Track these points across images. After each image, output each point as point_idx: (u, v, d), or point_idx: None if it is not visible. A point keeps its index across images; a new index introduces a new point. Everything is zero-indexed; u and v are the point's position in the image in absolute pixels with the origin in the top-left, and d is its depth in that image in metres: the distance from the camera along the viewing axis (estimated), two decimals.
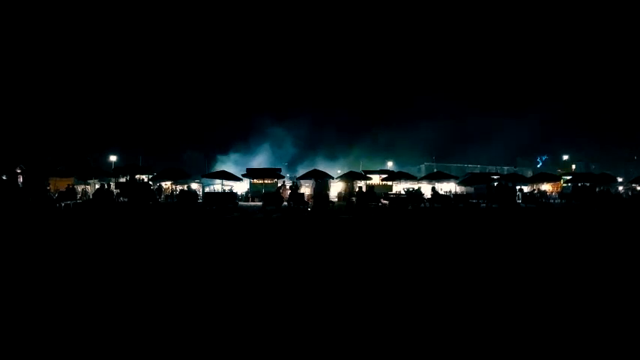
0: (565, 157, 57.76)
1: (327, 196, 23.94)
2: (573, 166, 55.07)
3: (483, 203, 26.16)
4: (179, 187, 34.36)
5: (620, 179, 41.72)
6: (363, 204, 22.81)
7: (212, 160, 48.33)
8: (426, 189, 31.27)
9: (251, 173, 33.36)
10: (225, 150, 50.38)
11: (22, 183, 25.57)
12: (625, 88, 53.28)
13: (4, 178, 25.35)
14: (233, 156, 50.84)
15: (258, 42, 61.19)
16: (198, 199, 27.72)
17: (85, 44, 51.14)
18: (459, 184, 35.75)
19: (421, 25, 61.76)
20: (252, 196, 33.85)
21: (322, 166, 35.42)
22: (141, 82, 50.64)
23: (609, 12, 59.33)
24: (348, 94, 55.22)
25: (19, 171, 27.05)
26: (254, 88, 55.16)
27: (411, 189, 26.66)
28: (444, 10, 65.46)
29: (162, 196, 30.86)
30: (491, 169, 48.36)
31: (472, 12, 64.98)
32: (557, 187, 37.32)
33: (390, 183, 34.14)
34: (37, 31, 48.23)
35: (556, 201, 32.65)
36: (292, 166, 45.82)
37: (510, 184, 26.29)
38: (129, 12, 55.40)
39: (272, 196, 23.71)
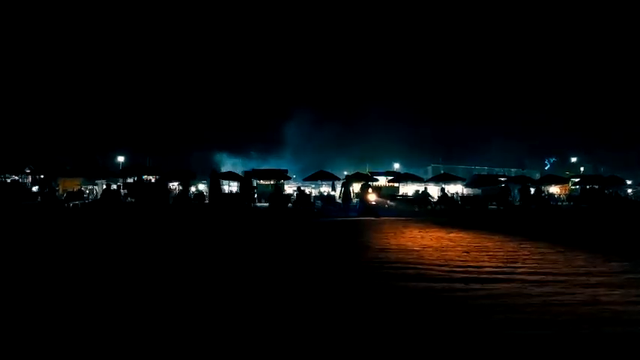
0: (573, 160, 57.33)
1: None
2: (582, 169, 54.69)
3: (491, 205, 26.06)
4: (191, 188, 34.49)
5: (629, 182, 41.33)
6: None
7: (218, 161, 48.29)
8: (432, 190, 31.20)
9: (257, 174, 33.45)
10: (230, 149, 50.32)
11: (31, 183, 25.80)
12: (634, 89, 52.78)
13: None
14: (237, 157, 50.76)
15: (261, 41, 61.31)
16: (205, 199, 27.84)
17: (93, 44, 51.47)
18: (466, 186, 35.63)
19: (423, 24, 61.59)
20: (258, 197, 33.92)
21: (327, 168, 35.34)
22: (148, 82, 50.81)
23: (619, 12, 58.81)
24: (353, 94, 54.96)
25: (28, 171, 27.33)
26: (257, 87, 55.03)
27: (418, 191, 26.59)
28: (449, 10, 65.25)
29: (170, 197, 30.97)
30: (499, 170, 48.08)
31: (479, 11, 64.72)
32: (566, 190, 37.08)
33: (396, 184, 34.09)
34: (45, 32, 48.66)
35: (564, 203, 32.42)
36: (296, 166, 45.68)
37: (532, 187, 26.55)
38: (136, 12, 55.76)
39: (279, 197, 23.75)
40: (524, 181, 28.69)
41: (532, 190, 25.44)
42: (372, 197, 16.59)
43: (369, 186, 18.45)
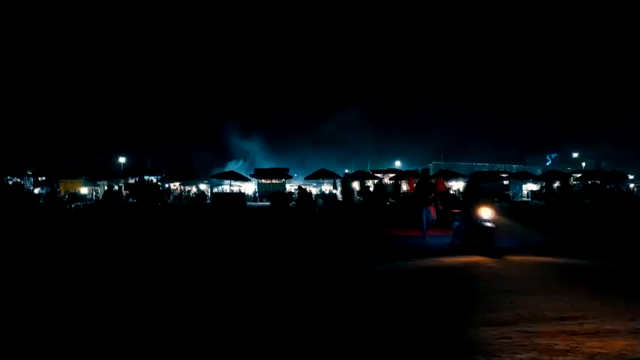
0: (575, 155, 57.00)
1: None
2: (583, 164, 54.45)
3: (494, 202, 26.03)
4: (188, 188, 34.53)
5: (631, 177, 41.13)
6: (373, 202, 22.75)
7: (220, 162, 48.18)
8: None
9: (259, 173, 33.40)
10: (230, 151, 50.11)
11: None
12: (636, 84, 52.58)
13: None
14: (238, 156, 50.59)
15: (260, 40, 61.29)
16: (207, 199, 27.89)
17: (97, 46, 51.51)
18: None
19: (426, 23, 61.50)
20: (260, 196, 33.86)
21: (329, 166, 35.25)
22: (149, 82, 50.78)
23: (622, 8, 58.66)
24: (355, 93, 54.86)
25: (29, 173, 27.33)
26: (259, 85, 54.87)
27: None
28: (450, 10, 65.12)
29: (172, 197, 30.99)
30: (500, 167, 47.90)
31: (477, 10, 64.59)
32: None
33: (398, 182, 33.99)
34: (47, 35, 48.70)
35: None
36: (298, 165, 45.43)
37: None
38: (137, 13, 55.76)
39: (280, 195, 23.76)
40: (563, 178, 28.44)
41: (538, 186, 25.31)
42: (486, 213, 8.30)
43: (481, 190, 9.78)
